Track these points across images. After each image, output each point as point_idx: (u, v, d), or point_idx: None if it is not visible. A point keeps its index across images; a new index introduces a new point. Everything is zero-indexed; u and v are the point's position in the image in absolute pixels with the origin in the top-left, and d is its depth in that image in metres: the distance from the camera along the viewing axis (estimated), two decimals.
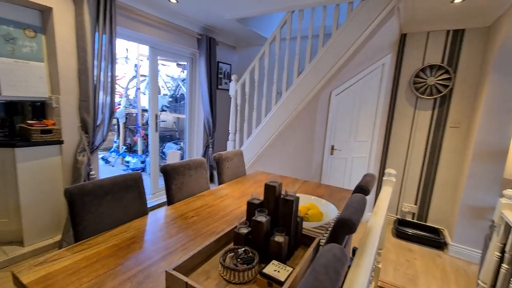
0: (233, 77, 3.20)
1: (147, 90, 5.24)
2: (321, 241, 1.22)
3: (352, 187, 2.90)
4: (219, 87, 4.01)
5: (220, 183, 2.09)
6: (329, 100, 2.78)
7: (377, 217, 1.26)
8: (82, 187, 1.17)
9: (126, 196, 1.35)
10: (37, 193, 2.21)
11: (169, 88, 5.04)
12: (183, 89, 4.77)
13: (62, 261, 0.98)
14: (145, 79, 5.12)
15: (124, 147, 5.13)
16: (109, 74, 2.40)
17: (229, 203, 1.66)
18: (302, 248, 1.18)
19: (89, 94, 2.29)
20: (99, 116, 2.39)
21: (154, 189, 3.42)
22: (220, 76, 4.01)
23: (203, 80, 3.57)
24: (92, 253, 1.04)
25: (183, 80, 4.88)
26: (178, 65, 5.02)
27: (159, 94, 5.17)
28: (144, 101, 5.15)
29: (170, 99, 4.81)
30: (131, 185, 1.38)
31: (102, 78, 2.35)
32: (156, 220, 1.38)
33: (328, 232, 1.34)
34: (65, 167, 2.32)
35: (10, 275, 1.95)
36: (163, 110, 4.63)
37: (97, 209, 1.21)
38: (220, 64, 4.00)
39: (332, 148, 2.92)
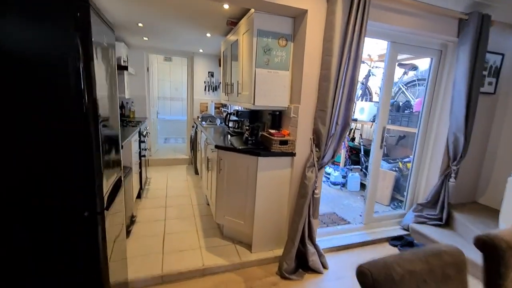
0: None
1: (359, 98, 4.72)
2: None
3: None
4: (481, 89, 2.67)
5: None
6: None
7: None
8: (388, 271, 0.65)
9: None
10: (268, 202, 2.19)
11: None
12: (407, 95, 3.78)
13: None
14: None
15: None
16: (351, 79, 1.99)
17: None
18: None
19: (328, 103, 1.97)
20: (332, 128, 2.04)
21: (367, 218, 2.77)
22: (483, 73, 2.67)
23: (459, 79, 2.45)
24: None
25: (406, 84, 3.89)
26: (400, 65, 4.07)
27: (370, 101, 4.50)
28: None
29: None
30: (450, 276, 0.73)
31: (343, 84, 1.97)
32: None
33: None
34: (292, 181, 2.18)
35: (241, 280, 1.99)
36: (373, 121, 3.91)
37: None
38: (486, 55, 2.65)
39: None
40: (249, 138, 2.18)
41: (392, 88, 2.66)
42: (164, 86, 7.13)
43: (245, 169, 2.16)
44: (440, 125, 2.73)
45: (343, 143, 2.13)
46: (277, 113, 2.35)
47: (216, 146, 2.25)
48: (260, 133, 2.30)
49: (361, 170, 4.32)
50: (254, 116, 2.83)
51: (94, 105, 1.07)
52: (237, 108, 3.32)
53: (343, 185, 4.25)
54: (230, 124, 3.20)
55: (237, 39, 2.56)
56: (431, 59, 2.69)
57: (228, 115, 3.15)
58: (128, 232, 2.38)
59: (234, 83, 2.69)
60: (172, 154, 5.19)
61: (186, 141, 5.16)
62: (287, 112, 2.24)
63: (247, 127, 2.43)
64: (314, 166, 2.08)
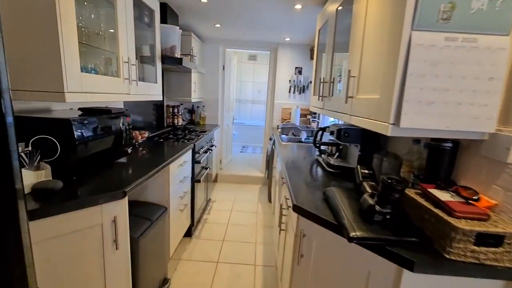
0: None
1: None
2: None
3: None
4: None
5: None
6: None
7: None
8: None
9: None
10: None
11: None
12: None
13: None
14: None
15: None
16: None
17: None
18: None
19: None
20: None
21: None
22: None
23: None
24: None
25: None
26: None
27: None
28: None
29: None
30: None
31: None
32: None
33: None
34: None
35: None
36: None
37: None
38: None
39: None
40: (378, 209, 0.88)
41: None
42: (246, 88, 6.45)
43: (362, 278, 0.90)
44: None
45: None
46: (449, 145, 0.97)
47: (296, 208, 1.07)
48: (405, 192, 0.97)
49: None
50: (371, 138, 1.50)
51: None
52: (335, 121, 2.04)
53: None
54: (322, 147, 1.95)
55: None
56: None
57: (321, 133, 1.93)
58: None
59: (341, 76, 1.45)
60: (246, 169, 4.31)
61: (263, 155, 4.19)
62: (486, 148, 0.85)
63: (367, 177, 1.09)
64: None
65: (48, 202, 0.96)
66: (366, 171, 1.10)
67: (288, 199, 1.36)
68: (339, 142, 1.59)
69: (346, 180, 1.47)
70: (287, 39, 3.39)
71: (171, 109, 3.22)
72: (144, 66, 2.10)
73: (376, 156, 1.42)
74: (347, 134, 1.53)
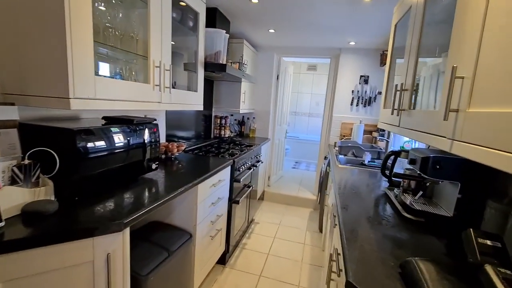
0: None
1: None
2: None
3: None
4: None
5: None
6: None
7: None
8: None
9: None
10: None
11: None
12: None
13: None
14: None
15: None
16: None
17: None
18: None
19: None
20: None
21: None
22: None
23: None
24: None
25: None
26: None
27: None
28: None
29: None
30: None
31: None
32: None
33: None
34: None
35: None
36: None
37: None
38: None
39: None
40: None
41: None
42: (303, 99, 6.05)
43: None
44: None
45: None
46: None
47: None
48: None
49: None
50: (480, 173, 0.97)
51: None
52: (411, 141, 1.51)
53: None
54: (394, 178, 1.44)
55: None
56: None
57: (393, 158, 1.43)
58: None
59: (431, 81, 0.98)
60: (296, 188, 3.88)
61: (316, 173, 3.70)
62: None
63: (491, 254, 0.62)
64: None
65: (31, 229, 0.79)
66: (489, 242, 0.62)
67: (340, 254, 0.94)
68: (424, 175, 1.09)
69: (432, 234, 0.97)
70: (352, 43, 2.92)
71: (218, 120, 3.08)
72: (187, 73, 1.97)
73: (492, 205, 0.89)
74: (439, 166, 1.03)
